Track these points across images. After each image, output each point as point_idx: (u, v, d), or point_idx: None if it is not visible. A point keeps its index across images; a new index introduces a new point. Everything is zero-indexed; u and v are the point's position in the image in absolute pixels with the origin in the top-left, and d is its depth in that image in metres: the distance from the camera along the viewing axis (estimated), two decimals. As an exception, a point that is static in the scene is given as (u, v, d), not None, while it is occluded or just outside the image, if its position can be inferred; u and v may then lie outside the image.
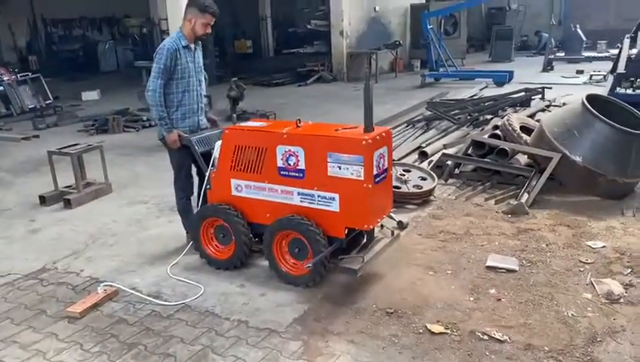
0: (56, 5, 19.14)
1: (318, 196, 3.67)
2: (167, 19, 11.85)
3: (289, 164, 3.73)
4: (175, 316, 3.55)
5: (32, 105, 11.18)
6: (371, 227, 3.80)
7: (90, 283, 4.03)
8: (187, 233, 4.55)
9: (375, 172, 3.56)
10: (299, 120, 3.87)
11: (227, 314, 3.55)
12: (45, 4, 19.01)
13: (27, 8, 18.79)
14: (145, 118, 9.86)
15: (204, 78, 4.60)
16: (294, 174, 3.73)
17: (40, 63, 17.77)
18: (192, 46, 4.26)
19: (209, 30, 4.24)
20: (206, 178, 4.17)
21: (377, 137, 3.57)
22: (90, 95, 13.52)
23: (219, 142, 4.10)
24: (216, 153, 4.11)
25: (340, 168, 3.55)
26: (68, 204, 5.71)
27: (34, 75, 11.74)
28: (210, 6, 4.16)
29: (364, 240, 3.95)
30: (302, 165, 3.68)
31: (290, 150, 3.70)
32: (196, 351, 3.17)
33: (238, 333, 3.32)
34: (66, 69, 18.39)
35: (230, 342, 3.24)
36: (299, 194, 3.75)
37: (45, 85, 11.57)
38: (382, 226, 4.11)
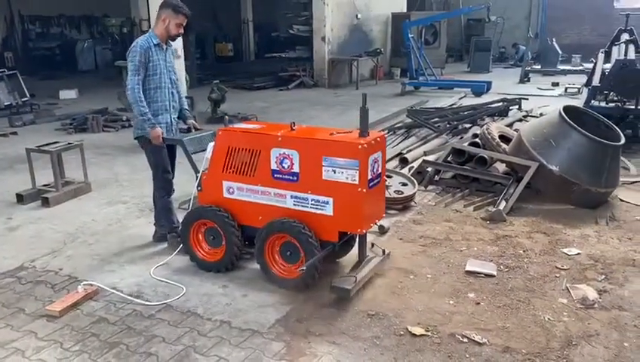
0: (34, 2, 18.87)
1: (312, 200, 3.68)
2: (148, 20, 11.77)
3: (283, 167, 3.72)
4: (157, 316, 3.54)
5: (8, 103, 10.96)
6: (364, 231, 3.80)
7: (69, 282, 3.99)
8: (168, 233, 4.54)
9: (369, 176, 3.57)
10: (293, 123, 3.87)
11: (209, 314, 3.55)
12: (23, 1, 18.70)
13: (4, 4, 18.45)
14: (124, 118, 9.77)
15: (186, 80, 4.63)
16: (288, 177, 3.72)
17: (16, 60, 17.45)
18: (164, 45, 4.37)
19: (182, 30, 4.38)
20: (197, 180, 4.15)
21: (372, 142, 3.57)
22: (68, 94, 13.34)
23: (211, 144, 4.08)
24: (208, 154, 4.08)
25: (334, 172, 3.56)
26: (46, 203, 5.63)
27: (10, 72, 11.52)
28: (183, 7, 4.30)
29: (356, 243, 3.99)
30: (296, 168, 3.68)
31: (284, 153, 3.70)
32: (178, 350, 3.16)
33: (220, 333, 3.33)
34: (42, 67, 18.11)
35: (213, 342, 3.24)
36: (292, 197, 3.74)
37: (22, 82, 11.37)
38: (372, 245, 4.12)
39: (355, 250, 4.07)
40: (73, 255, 4.48)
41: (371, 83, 15.76)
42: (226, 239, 4.00)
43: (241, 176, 3.89)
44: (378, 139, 3.68)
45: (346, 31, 15.82)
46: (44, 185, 5.93)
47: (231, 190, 3.97)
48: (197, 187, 4.16)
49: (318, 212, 3.67)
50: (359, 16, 16.17)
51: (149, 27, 12.95)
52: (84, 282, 3.87)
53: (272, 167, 3.76)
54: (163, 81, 4.35)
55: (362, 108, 3.60)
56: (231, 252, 4.00)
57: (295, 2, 16.76)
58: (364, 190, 3.53)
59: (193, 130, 4.60)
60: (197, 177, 4.15)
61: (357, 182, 3.51)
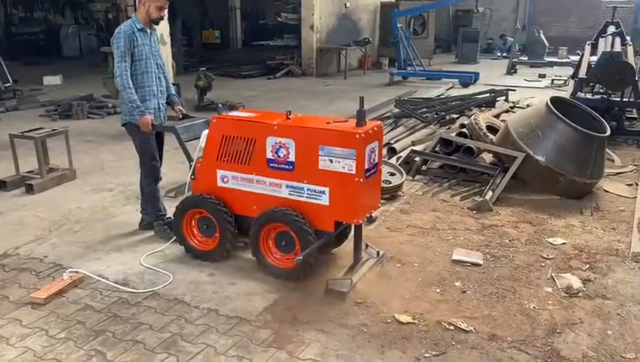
0: (17, -15, 18.52)
1: (308, 189, 3.63)
2: (134, 5, 11.61)
3: (279, 156, 3.67)
4: (143, 303, 3.52)
5: (-10, 88, 10.77)
6: (360, 221, 3.75)
7: (54, 270, 3.95)
8: (154, 221, 4.51)
9: (366, 166, 3.53)
10: (289, 111, 3.79)
11: (197, 302, 3.54)
12: (5, -16, 18.37)
13: (-14, -13, 18.11)
14: (110, 105, 9.66)
15: (172, 67, 4.57)
16: (284, 166, 3.67)
17: (-2, 45, 17.18)
18: (148, 30, 4.30)
19: (163, 13, 4.30)
20: (191, 168, 4.09)
21: (370, 131, 3.53)
22: (52, 80, 13.13)
23: (205, 131, 4.01)
24: (202, 142, 4.01)
25: (331, 161, 3.51)
26: (30, 190, 5.55)
27: (-7, 57, 11.31)
28: None
29: (350, 233, 3.98)
30: (292, 157, 3.63)
31: (280, 142, 3.64)
32: (165, 338, 3.15)
33: (207, 321, 3.32)
34: (26, 53, 17.79)
35: (200, 329, 3.24)
36: (287, 186, 3.70)
37: (4, 68, 11.16)
38: (367, 246, 4.07)
39: (349, 244, 4.01)
40: (58, 242, 4.43)
41: (359, 72, 15.73)
42: (219, 228, 3.96)
43: (235, 164, 3.84)
44: (375, 128, 3.63)
45: (335, 20, 15.74)
46: (28, 172, 5.85)
47: (225, 179, 3.92)
48: (190, 175, 4.10)
49: (314, 202, 3.63)
50: (348, 5, 16.09)
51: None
52: (70, 269, 3.84)
53: (267, 156, 3.71)
54: (150, 66, 4.29)
55: (360, 97, 3.55)
56: (224, 241, 3.97)
57: (283, -10, 16.66)
58: (361, 180, 3.49)
59: (181, 116, 4.54)
60: (190, 165, 4.09)
61: (354, 172, 3.46)
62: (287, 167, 3.67)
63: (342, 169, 3.50)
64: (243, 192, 3.87)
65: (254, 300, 3.56)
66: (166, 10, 4.30)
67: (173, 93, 4.66)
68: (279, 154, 3.67)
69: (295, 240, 3.69)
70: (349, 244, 4.04)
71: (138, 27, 4.21)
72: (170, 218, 4.54)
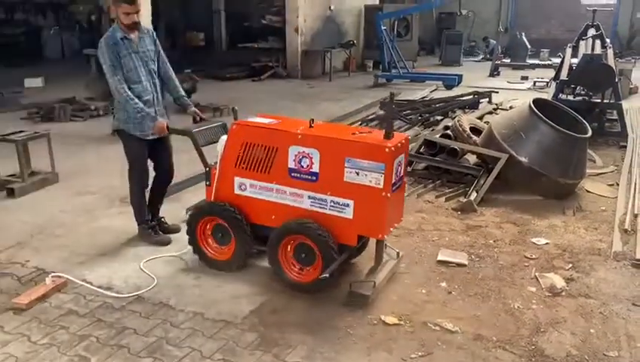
0: (-3, -13, 18.26)
1: (332, 201, 3.50)
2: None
3: (302, 166, 3.54)
4: (128, 308, 3.48)
5: (-30, 91, 10.60)
6: (385, 236, 3.65)
7: (37, 275, 3.89)
8: (139, 225, 4.47)
9: (393, 180, 3.43)
10: (312, 120, 3.66)
11: (182, 305, 3.51)
12: (-15, -15, 18.09)
13: (-35, -12, 17.82)
14: (93, 108, 9.55)
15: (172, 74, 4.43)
16: (306, 177, 3.54)
17: (-23, 47, 16.89)
18: (133, 37, 4.07)
19: (135, 19, 4.02)
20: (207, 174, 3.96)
21: (398, 144, 3.42)
22: (34, 82, 12.92)
23: (224, 137, 3.88)
24: (219, 148, 3.86)
25: (357, 174, 3.39)
26: (11, 194, 5.46)
27: (-28, 59, 11.14)
28: None
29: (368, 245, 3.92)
30: (315, 168, 3.50)
31: (304, 151, 3.52)
32: (150, 342, 3.12)
33: (193, 325, 3.30)
34: (6, 55, 17.52)
35: (185, 333, 3.21)
36: (309, 197, 3.57)
37: (-16, 70, 11.01)
38: (386, 246, 3.92)
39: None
40: (40, 247, 4.37)
41: (344, 75, 15.75)
42: (235, 237, 3.84)
43: (254, 172, 3.71)
44: (403, 141, 3.53)
45: (319, 22, 15.76)
46: (10, 176, 5.75)
47: (243, 187, 3.79)
48: (205, 182, 3.98)
49: (337, 214, 3.50)
50: (332, 7, 16.12)
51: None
52: (53, 274, 3.79)
53: (289, 165, 3.58)
54: (140, 75, 4.10)
55: (388, 109, 3.52)
56: (241, 251, 3.86)
57: (268, -8, 16.63)
58: (388, 194, 3.38)
59: (198, 119, 4.34)
60: (206, 171, 3.96)
61: (381, 186, 3.35)
62: (310, 177, 3.54)
63: (369, 182, 3.37)
64: (261, 201, 3.74)
65: (240, 303, 3.54)
66: (136, 15, 4.01)
67: (183, 94, 4.44)
68: (302, 164, 3.54)
69: (317, 254, 3.56)
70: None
71: (119, 36, 4.01)
72: (154, 222, 4.51)
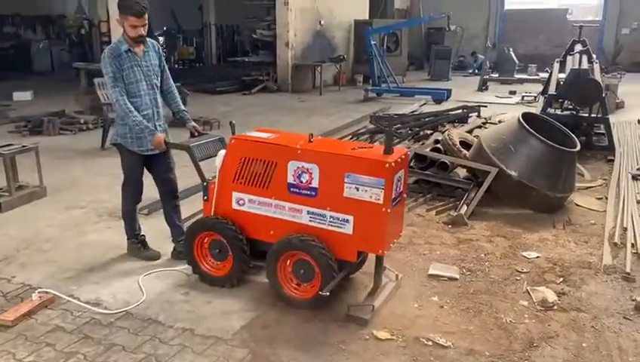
0: (-15, 0, 18.20)
1: (331, 217, 3.48)
2: (107, 21, 11.53)
3: (301, 181, 3.52)
4: (116, 324, 3.43)
5: (-42, 103, 10.52)
6: (384, 252, 3.61)
7: (23, 290, 3.82)
8: (128, 239, 4.42)
9: (393, 195, 3.40)
10: (311, 134, 3.64)
11: (171, 321, 3.46)
12: (-26, -1, 18.03)
13: (-46, 1, 17.76)
14: (82, 121, 9.50)
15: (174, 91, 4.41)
16: (306, 192, 3.52)
17: (-34, 60, 16.80)
18: (138, 50, 4.04)
19: (141, 32, 3.95)
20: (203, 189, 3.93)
21: (398, 160, 3.41)
22: (23, 95, 12.85)
23: (222, 151, 3.85)
24: (217, 162, 3.82)
25: (357, 190, 3.37)
26: (-2, 208, 5.40)
27: (-40, 72, 11.07)
28: (130, 7, 3.85)
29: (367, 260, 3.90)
30: (315, 183, 3.48)
31: (303, 166, 3.49)
32: (139, 359, 3.07)
33: (182, 341, 3.25)
34: (-5, 68, 17.44)
35: (175, 350, 3.17)
36: (308, 213, 3.54)
37: (-27, 83, 10.93)
38: (384, 268, 3.91)
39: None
40: (27, 262, 4.31)
41: (334, 89, 15.82)
42: (233, 253, 3.79)
43: (253, 187, 3.68)
44: (403, 156, 3.51)
45: (310, 37, 15.85)
46: (-4, 190, 5.69)
47: (241, 202, 3.76)
48: (203, 196, 3.93)
49: (336, 230, 3.47)
50: (322, 22, 16.23)
51: (108, 29, 12.65)
52: (39, 290, 3.72)
53: (288, 180, 3.55)
54: (141, 89, 4.05)
55: (388, 126, 3.52)
56: (238, 267, 3.81)
57: (258, 6, 16.69)
58: (388, 210, 3.35)
59: (196, 134, 4.29)
60: (203, 186, 3.93)
61: (381, 202, 3.32)
62: (309, 192, 3.51)
63: (369, 198, 3.35)
64: (260, 216, 3.70)
65: (231, 319, 3.50)
66: (142, 29, 3.97)
67: (184, 108, 4.40)
68: (301, 179, 3.51)
69: (316, 271, 3.53)
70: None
71: (124, 49, 3.96)
72: (143, 236, 4.46)
